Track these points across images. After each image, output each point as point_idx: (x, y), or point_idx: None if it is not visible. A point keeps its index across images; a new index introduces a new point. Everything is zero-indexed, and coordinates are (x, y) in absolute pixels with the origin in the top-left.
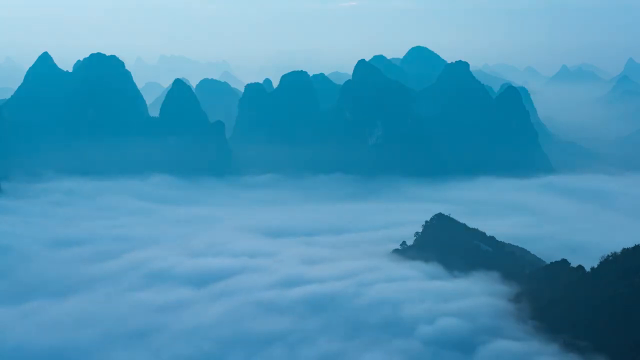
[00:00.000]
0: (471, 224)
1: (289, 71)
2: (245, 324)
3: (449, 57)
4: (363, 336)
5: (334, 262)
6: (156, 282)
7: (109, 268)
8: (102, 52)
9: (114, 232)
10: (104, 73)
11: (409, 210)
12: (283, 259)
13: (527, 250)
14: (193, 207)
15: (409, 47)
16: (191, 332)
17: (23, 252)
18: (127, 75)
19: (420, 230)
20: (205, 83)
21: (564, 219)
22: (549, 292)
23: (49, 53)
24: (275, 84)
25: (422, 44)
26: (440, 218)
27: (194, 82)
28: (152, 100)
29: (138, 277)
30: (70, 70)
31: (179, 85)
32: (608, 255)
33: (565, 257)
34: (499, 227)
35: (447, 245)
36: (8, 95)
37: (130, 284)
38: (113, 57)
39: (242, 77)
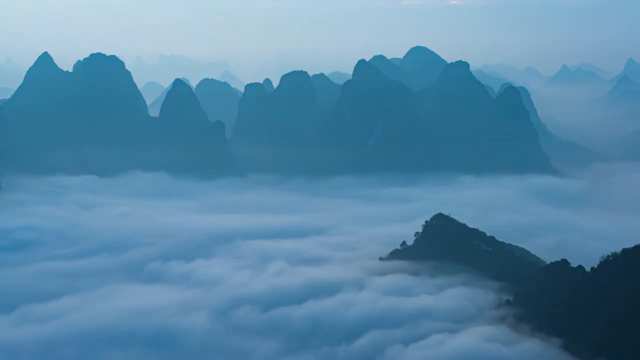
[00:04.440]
0: (471, 223)
1: (289, 71)
2: None
3: (449, 57)
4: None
5: (334, 266)
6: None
7: None
8: (102, 52)
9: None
10: (104, 73)
11: (409, 210)
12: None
13: (527, 250)
14: (189, 207)
15: (409, 47)
16: None
17: None
18: (127, 75)
19: (420, 230)
20: (205, 83)
21: (564, 219)
22: (549, 292)
23: (49, 53)
24: (275, 84)
25: (422, 44)
26: (440, 218)
27: (194, 82)
28: (152, 100)
29: None
30: (70, 70)
31: (179, 85)
32: (608, 255)
33: (565, 257)
34: (499, 226)
35: (447, 245)
36: (8, 95)
37: None
38: (113, 57)
39: (242, 77)
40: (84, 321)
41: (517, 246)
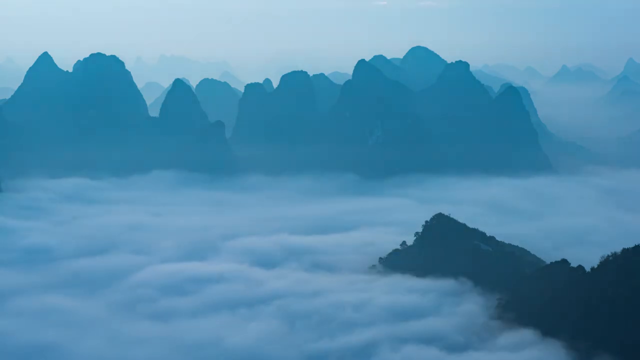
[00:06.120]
0: (471, 223)
1: (289, 71)
2: None
3: (449, 57)
4: None
5: (332, 271)
6: None
7: None
8: (102, 52)
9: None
10: (104, 73)
11: (408, 210)
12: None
13: (527, 250)
14: (189, 208)
15: (409, 47)
16: None
17: None
18: (127, 75)
19: (420, 230)
20: (205, 83)
21: (564, 219)
22: (549, 292)
23: (49, 53)
24: (275, 84)
25: (422, 44)
26: (440, 218)
27: (194, 82)
28: (152, 100)
29: None
30: (70, 70)
31: (179, 85)
32: (608, 256)
33: (565, 257)
34: (499, 226)
35: (446, 245)
36: (8, 95)
37: None
38: (113, 57)
39: (242, 77)
40: None
41: (517, 246)
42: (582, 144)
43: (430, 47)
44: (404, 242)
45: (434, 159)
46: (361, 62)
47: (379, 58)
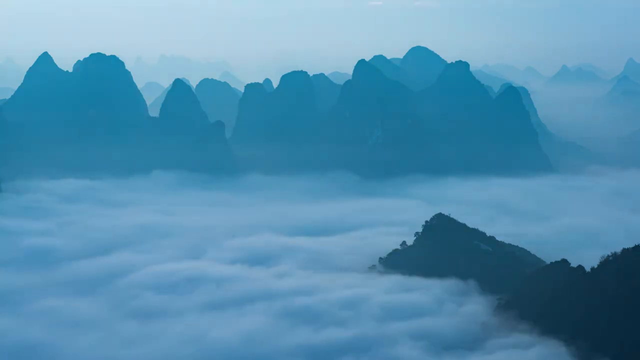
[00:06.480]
0: (471, 223)
1: (289, 71)
2: None
3: (449, 57)
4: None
5: (331, 270)
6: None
7: None
8: (102, 52)
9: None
10: (104, 73)
11: (408, 210)
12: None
13: (527, 250)
14: (189, 208)
15: (409, 47)
16: None
17: None
18: (127, 75)
19: (420, 230)
20: (205, 83)
21: (565, 219)
22: (549, 292)
23: (49, 53)
24: (275, 84)
25: (422, 44)
26: (440, 218)
27: (194, 82)
28: (152, 100)
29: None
30: (70, 70)
31: (179, 85)
32: (608, 256)
33: (565, 257)
34: (499, 226)
35: (446, 245)
36: (8, 95)
37: None
38: (113, 57)
39: (242, 77)
40: None
41: (517, 246)
42: (582, 144)
43: (430, 47)
44: (404, 242)
45: (434, 159)
46: (361, 62)
47: (379, 58)
